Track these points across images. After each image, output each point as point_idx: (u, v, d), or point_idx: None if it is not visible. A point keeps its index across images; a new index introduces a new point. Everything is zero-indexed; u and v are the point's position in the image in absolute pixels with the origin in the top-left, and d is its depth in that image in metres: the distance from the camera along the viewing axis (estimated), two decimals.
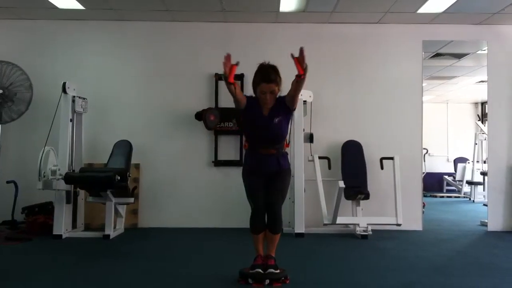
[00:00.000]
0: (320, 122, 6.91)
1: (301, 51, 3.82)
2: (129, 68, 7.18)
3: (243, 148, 4.24)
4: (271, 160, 4.14)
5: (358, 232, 6.29)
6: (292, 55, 3.86)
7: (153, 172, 7.05)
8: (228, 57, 3.90)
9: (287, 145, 4.32)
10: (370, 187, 6.70)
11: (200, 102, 7.04)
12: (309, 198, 6.58)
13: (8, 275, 4.39)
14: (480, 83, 10.60)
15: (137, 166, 6.97)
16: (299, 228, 6.37)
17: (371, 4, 6.44)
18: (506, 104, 7.14)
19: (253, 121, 4.12)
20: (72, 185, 6.26)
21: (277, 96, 4.14)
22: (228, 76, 3.89)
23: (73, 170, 6.37)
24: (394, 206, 6.41)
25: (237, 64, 3.91)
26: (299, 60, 3.84)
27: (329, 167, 6.76)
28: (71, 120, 6.34)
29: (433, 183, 13.33)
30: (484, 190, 10.95)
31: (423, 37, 7.14)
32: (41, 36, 7.19)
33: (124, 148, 6.63)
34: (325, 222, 6.36)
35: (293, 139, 6.42)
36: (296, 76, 3.91)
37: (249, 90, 6.99)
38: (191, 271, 4.57)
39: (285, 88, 4.14)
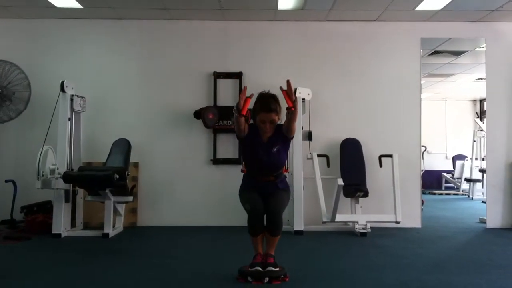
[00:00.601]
0: (319, 120, 6.92)
1: (288, 83, 3.91)
2: (128, 66, 7.17)
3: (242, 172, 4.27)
4: (270, 184, 4.20)
5: (357, 230, 6.30)
6: (280, 88, 3.95)
7: (152, 171, 7.05)
8: (244, 90, 3.97)
9: (286, 170, 4.35)
10: (369, 185, 6.71)
11: (199, 101, 7.04)
12: (308, 196, 6.59)
13: (7, 274, 4.38)
14: (479, 80, 10.62)
15: (136, 164, 6.97)
16: (298, 226, 6.37)
17: (369, 2, 6.44)
18: (505, 101, 7.15)
19: (253, 149, 4.15)
20: (71, 184, 6.26)
21: (277, 125, 4.18)
22: (241, 109, 3.94)
23: (72, 169, 6.37)
24: (393, 204, 6.42)
25: (250, 96, 3.97)
26: (288, 93, 3.92)
27: (328, 165, 6.76)
28: (69, 119, 6.34)
29: (432, 181, 13.34)
30: (482, 187, 10.97)
31: (421, 35, 7.14)
32: (39, 34, 7.17)
33: (123, 146, 6.63)
34: (324, 219, 6.36)
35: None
36: (287, 108, 3.97)
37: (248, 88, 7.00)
38: (190, 269, 4.57)
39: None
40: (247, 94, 3.97)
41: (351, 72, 7.17)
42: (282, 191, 4.24)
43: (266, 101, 4.06)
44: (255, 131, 4.16)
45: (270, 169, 4.17)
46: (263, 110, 4.04)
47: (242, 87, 6.87)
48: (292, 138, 4.25)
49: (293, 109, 3.92)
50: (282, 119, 4.16)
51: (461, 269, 4.62)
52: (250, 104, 4.04)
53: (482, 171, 10.42)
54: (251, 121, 4.21)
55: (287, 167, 4.44)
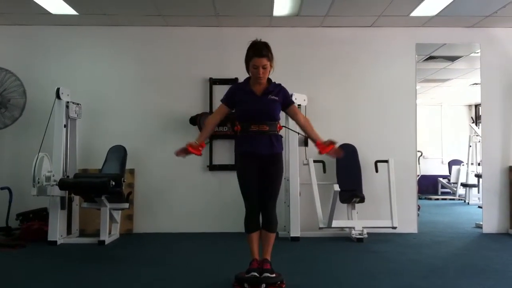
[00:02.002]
0: (314, 125, 6.79)
1: (339, 152, 4.32)
2: (123, 73, 7.17)
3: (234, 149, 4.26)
4: (264, 139, 4.11)
5: (353, 236, 6.30)
6: (334, 142, 4.26)
7: (148, 177, 7.04)
8: (178, 153, 4.23)
9: (280, 127, 4.28)
10: (365, 190, 6.71)
11: (195, 107, 7.04)
12: (305, 202, 6.58)
13: (3, 281, 4.36)
14: (474, 85, 10.65)
15: (131, 171, 6.96)
16: (295, 232, 6.37)
17: (364, 8, 6.46)
18: (500, 106, 7.17)
19: (245, 101, 4.13)
20: (67, 191, 6.25)
21: (277, 82, 4.20)
22: (196, 154, 4.20)
23: (68, 176, 6.36)
24: (389, 209, 6.42)
25: (188, 145, 4.17)
26: (333, 151, 4.27)
27: (324, 171, 6.76)
28: (65, 126, 6.32)
29: (428, 186, 13.35)
30: (478, 192, 10.97)
31: (416, 40, 7.17)
32: (34, 42, 7.17)
33: (119, 153, 6.62)
34: (321, 225, 6.36)
35: (288, 142, 6.42)
36: (318, 144, 4.27)
37: None
38: (186, 276, 4.56)
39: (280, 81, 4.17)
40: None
41: (346, 77, 7.18)
42: (277, 160, 4.18)
43: (259, 47, 4.07)
44: (243, 87, 4.19)
45: (263, 115, 4.10)
46: (256, 55, 4.03)
47: None
48: (285, 112, 4.33)
49: (320, 151, 4.25)
50: (281, 75, 4.21)
51: (457, 274, 4.62)
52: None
53: (478, 176, 10.44)
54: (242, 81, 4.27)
55: (281, 125, 4.37)
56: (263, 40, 4.14)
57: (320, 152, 4.16)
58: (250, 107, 4.11)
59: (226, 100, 4.23)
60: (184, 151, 4.15)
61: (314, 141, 4.27)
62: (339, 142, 6.81)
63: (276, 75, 4.18)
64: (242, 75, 4.26)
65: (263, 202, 4.12)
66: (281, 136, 4.29)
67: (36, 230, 6.32)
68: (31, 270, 4.88)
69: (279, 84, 4.22)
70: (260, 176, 4.12)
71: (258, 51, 4.04)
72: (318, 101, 7.02)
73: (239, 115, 4.19)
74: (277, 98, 4.14)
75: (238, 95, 4.17)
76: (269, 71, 4.11)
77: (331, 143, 4.19)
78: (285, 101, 4.21)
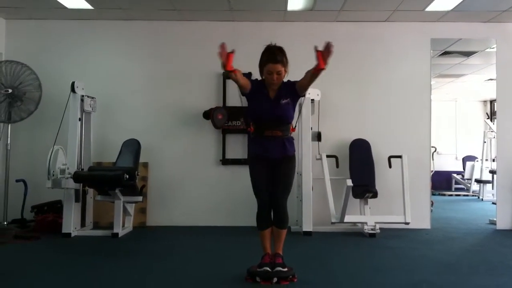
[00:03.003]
0: (328, 120, 6.91)
1: (329, 46, 3.92)
2: (138, 67, 7.21)
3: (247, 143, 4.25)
4: (277, 143, 4.12)
5: (366, 231, 6.29)
6: (316, 48, 3.91)
7: (161, 171, 7.08)
8: (222, 46, 3.85)
9: (293, 129, 4.27)
10: (378, 186, 6.69)
11: (208, 101, 7.05)
12: (317, 197, 6.58)
13: (17, 273, 4.42)
14: (489, 81, 10.56)
15: (145, 164, 7.00)
16: (307, 227, 6.37)
17: (379, 2, 6.43)
18: None
19: (260, 103, 4.11)
20: (81, 184, 6.30)
21: (286, 80, 4.16)
22: (226, 65, 3.86)
23: (82, 169, 6.41)
24: (402, 205, 6.39)
25: (232, 52, 3.89)
26: (324, 55, 3.90)
27: (337, 166, 6.75)
28: (80, 119, 6.37)
29: (442, 182, 13.26)
30: (493, 188, 10.91)
31: (432, 35, 7.11)
32: (50, 36, 7.22)
33: (133, 147, 6.66)
34: (333, 220, 6.36)
35: (301, 137, 6.43)
36: (316, 68, 3.95)
37: None
38: (198, 269, 4.59)
39: (294, 77, 4.16)
40: (228, 50, 3.88)
41: (360, 72, 7.15)
42: (289, 161, 4.17)
43: (273, 52, 4.05)
44: (260, 87, 4.14)
45: (277, 122, 4.10)
46: (270, 61, 4.02)
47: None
48: (304, 96, 4.23)
49: (324, 69, 3.95)
50: (292, 77, 4.14)
51: (471, 270, 4.59)
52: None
53: (492, 172, 10.37)
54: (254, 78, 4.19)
55: (294, 127, 4.35)
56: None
57: (320, 66, 3.98)
58: (264, 112, 4.10)
59: (252, 83, 4.16)
60: (226, 55, 3.87)
61: (314, 71, 4.05)
62: (352, 137, 6.90)
63: (290, 70, 4.17)
64: (255, 69, 4.26)
65: (274, 199, 4.12)
66: (293, 138, 4.30)
67: (50, 222, 6.39)
68: (45, 262, 4.94)
69: (287, 82, 4.17)
70: (272, 175, 4.14)
71: (273, 57, 4.02)
72: (332, 96, 6.99)
73: (253, 117, 4.21)
74: (288, 100, 4.12)
75: (257, 91, 4.13)
76: (284, 76, 4.09)
77: (316, 52, 3.99)
78: (293, 92, 4.15)
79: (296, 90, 4.13)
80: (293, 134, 4.33)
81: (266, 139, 4.12)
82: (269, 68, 4.03)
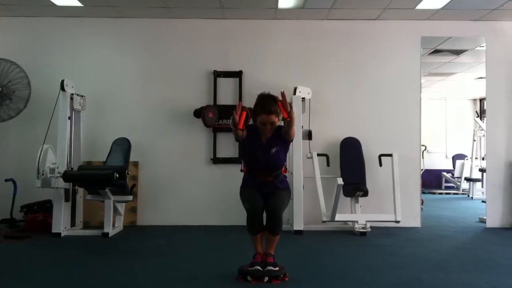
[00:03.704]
0: (318, 119, 6.91)
1: (283, 95, 3.98)
2: (128, 65, 7.17)
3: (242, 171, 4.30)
4: (269, 184, 4.21)
5: (357, 229, 6.30)
6: (277, 98, 4.05)
7: (152, 170, 7.05)
8: (239, 105, 4.01)
9: (285, 171, 4.35)
10: (369, 184, 6.71)
11: (199, 99, 7.03)
12: (308, 195, 6.58)
13: (7, 273, 4.38)
14: (479, 79, 10.61)
15: (135, 163, 6.97)
16: (298, 226, 6.37)
17: (369, 1, 6.44)
18: (505, 101, 7.14)
19: (252, 149, 4.17)
20: (71, 183, 6.26)
21: (277, 126, 4.19)
22: (237, 123, 4.00)
23: (72, 168, 6.37)
24: (393, 203, 6.41)
25: (246, 111, 4.04)
26: (283, 104, 3.98)
27: (328, 164, 6.75)
28: (69, 118, 6.33)
29: (432, 180, 13.32)
30: (482, 186, 10.95)
31: (422, 34, 7.13)
32: (39, 33, 7.17)
33: (123, 145, 6.63)
34: (324, 219, 6.36)
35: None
36: (283, 119, 4.04)
37: (246, 89, 7.02)
38: (190, 268, 4.57)
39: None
40: (242, 109, 4.02)
41: (351, 71, 7.16)
42: (283, 190, 4.26)
43: (267, 103, 4.08)
44: (254, 132, 4.18)
45: (268, 169, 4.18)
46: (264, 112, 4.06)
47: (241, 86, 6.93)
48: (292, 141, 4.30)
49: (288, 119, 3.99)
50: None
51: (460, 268, 4.62)
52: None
53: (482, 170, 10.41)
54: (251, 122, 4.22)
55: (287, 168, 4.45)
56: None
57: (284, 116, 3.99)
58: (257, 161, 4.16)
59: (248, 131, 4.17)
60: (241, 116, 4.02)
61: (284, 120, 4.05)
62: (343, 135, 6.91)
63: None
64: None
65: (270, 208, 4.12)
66: (285, 177, 4.36)
67: (40, 222, 6.35)
68: (35, 261, 4.91)
69: (278, 128, 4.17)
70: (266, 198, 4.19)
71: (267, 108, 4.06)
72: (322, 94, 7.00)
73: (246, 161, 4.28)
74: (277, 147, 4.15)
75: (249, 137, 4.16)
76: (276, 124, 4.14)
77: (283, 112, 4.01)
78: (282, 139, 4.16)
79: (283, 136, 4.17)
80: None
81: (259, 181, 4.21)
82: (262, 119, 4.08)
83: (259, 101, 4.13)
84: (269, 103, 4.07)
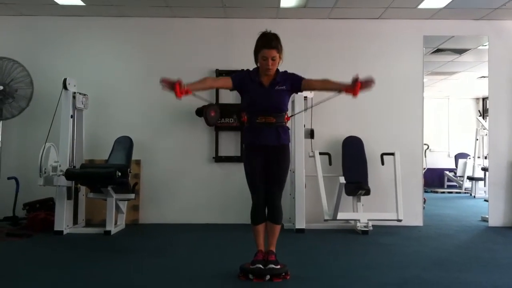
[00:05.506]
0: (320, 118, 6.91)
1: (372, 81, 4.04)
2: (130, 63, 7.18)
3: (242, 145, 4.23)
4: (270, 131, 4.07)
5: (358, 228, 6.30)
6: (357, 76, 4.02)
7: (154, 168, 7.05)
8: (163, 80, 3.98)
9: (288, 118, 4.22)
10: (371, 183, 6.70)
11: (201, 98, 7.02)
12: (310, 194, 6.58)
13: (9, 271, 4.40)
14: (481, 78, 10.59)
15: (138, 162, 6.98)
16: (300, 224, 6.37)
17: (371, 0, 6.43)
18: (507, 100, 7.13)
19: (252, 91, 4.09)
20: (73, 181, 6.27)
21: (282, 70, 4.14)
22: (176, 93, 3.94)
23: (74, 166, 6.38)
24: (395, 202, 6.40)
25: (177, 81, 3.98)
26: (362, 86, 3.98)
27: (330, 163, 6.75)
28: (71, 116, 6.34)
29: (434, 179, 13.32)
30: (485, 185, 10.95)
31: (424, 33, 7.12)
32: (41, 32, 7.18)
33: (125, 144, 6.63)
34: (326, 217, 6.36)
35: (294, 135, 6.42)
36: (346, 91, 4.02)
37: None
38: (191, 266, 4.58)
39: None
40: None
41: (353, 70, 7.01)
42: (283, 151, 4.14)
43: (268, 38, 4.04)
44: (251, 75, 4.12)
45: (270, 108, 4.06)
46: (265, 46, 4.00)
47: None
48: (301, 92, 4.28)
49: (354, 96, 4.00)
50: (288, 67, 4.17)
51: (462, 267, 4.61)
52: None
53: (485, 169, 10.42)
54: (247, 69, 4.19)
55: (289, 116, 4.29)
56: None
57: (354, 96, 4.00)
58: (257, 99, 4.07)
59: (234, 78, 4.15)
60: (170, 84, 3.97)
61: (340, 91, 4.10)
62: (345, 134, 6.90)
63: (283, 67, 4.16)
64: (248, 66, 4.25)
65: (269, 194, 4.11)
66: (288, 128, 4.24)
67: (42, 220, 6.35)
68: (38, 259, 4.92)
69: (285, 72, 4.16)
70: (266, 168, 4.11)
71: (268, 43, 4.01)
72: (324, 93, 6.96)
73: (246, 106, 4.17)
74: (284, 87, 4.09)
75: (246, 83, 4.12)
76: (278, 63, 4.07)
77: (356, 80, 4.00)
78: (295, 84, 4.12)
79: (299, 86, 4.11)
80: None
81: (259, 126, 4.07)
82: (263, 54, 4.01)
83: (260, 37, 4.07)
84: (271, 38, 4.03)
